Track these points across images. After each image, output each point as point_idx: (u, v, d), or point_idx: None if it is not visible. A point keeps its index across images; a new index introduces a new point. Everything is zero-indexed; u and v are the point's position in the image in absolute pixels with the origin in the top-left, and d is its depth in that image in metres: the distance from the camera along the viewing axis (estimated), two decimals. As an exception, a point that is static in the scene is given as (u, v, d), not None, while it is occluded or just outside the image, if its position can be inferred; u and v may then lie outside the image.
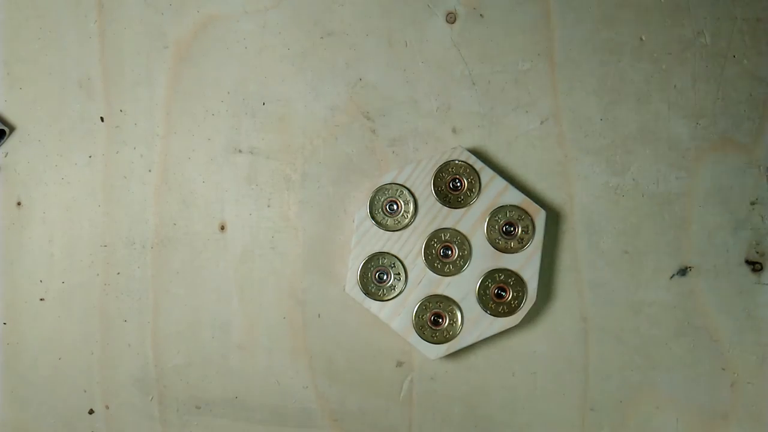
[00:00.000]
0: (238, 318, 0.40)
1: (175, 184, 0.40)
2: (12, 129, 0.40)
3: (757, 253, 0.39)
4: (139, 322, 0.40)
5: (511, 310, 0.37)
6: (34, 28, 0.40)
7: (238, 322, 0.40)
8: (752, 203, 0.39)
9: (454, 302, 0.37)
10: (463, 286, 0.37)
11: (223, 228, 0.40)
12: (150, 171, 0.40)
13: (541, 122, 0.39)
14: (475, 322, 0.37)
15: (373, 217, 0.38)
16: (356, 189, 0.39)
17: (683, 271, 0.39)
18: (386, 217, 0.38)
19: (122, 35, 0.40)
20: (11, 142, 0.40)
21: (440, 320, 0.37)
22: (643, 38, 0.39)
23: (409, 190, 0.38)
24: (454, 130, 0.39)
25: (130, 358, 0.40)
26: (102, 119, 0.40)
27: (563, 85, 0.39)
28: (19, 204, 0.40)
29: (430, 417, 0.39)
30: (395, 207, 0.38)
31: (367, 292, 0.38)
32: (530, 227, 0.37)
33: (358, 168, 0.39)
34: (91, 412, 0.40)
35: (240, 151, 0.40)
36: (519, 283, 0.37)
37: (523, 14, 0.39)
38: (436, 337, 0.37)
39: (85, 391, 0.40)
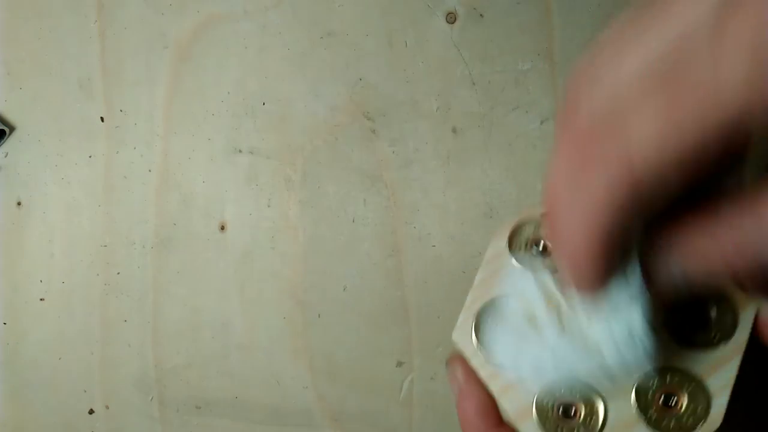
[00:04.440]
0: (238, 318, 0.40)
1: (175, 184, 0.40)
2: (12, 129, 0.40)
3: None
4: (139, 322, 0.40)
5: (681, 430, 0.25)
6: (34, 28, 0.40)
7: (238, 322, 0.40)
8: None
9: (596, 391, 0.25)
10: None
11: (223, 228, 0.40)
12: (150, 171, 0.40)
13: (541, 122, 0.39)
14: (624, 428, 0.25)
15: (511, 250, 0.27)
16: (356, 189, 0.39)
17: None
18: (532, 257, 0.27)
19: (122, 35, 0.40)
20: (11, 142, 0.40)
21: (571, 412, 0.25)
22: (643, 38, 0.39)
23: None
24: (454, 130, 0.39)
25: (130, 358, 0.40)
26: (102, 119, 0.40)
27: (563, 85, 0.39)
28: (19, 204, 0.40)
29: (430, 417, 0.39)
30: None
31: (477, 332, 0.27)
32: (729, 316, 0.26)
33: (358, 168, 0.39)
34: (91, 412, 0.40)
35: (240, 151, 0.40)
36: (698, 393, 0.25)
37: (523, 14, 0.39)
38: None
39: (85, 391, 0.40)
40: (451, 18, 0.39)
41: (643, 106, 0.17)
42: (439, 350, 0.39)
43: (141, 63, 0.40)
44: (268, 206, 0.40)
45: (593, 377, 0.23)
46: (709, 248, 0.19)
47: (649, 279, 0.21)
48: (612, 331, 0.22)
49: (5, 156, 0.40)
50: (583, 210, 0.18)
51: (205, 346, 0.40)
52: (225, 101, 0.40)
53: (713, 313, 0.26)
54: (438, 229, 0.39)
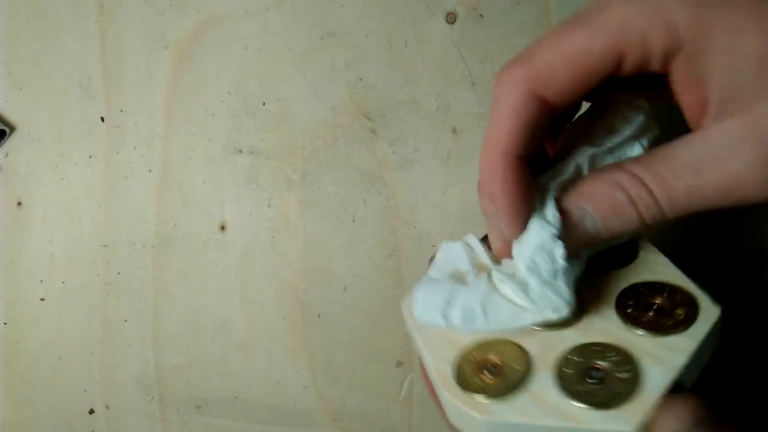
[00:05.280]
0: (238, 318, 0.40)
1: (176, 184, 0.40)
2: (12, 129, 0.40)
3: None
4: (140, 322, 0.40)
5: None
6: (34, 28, 0.40)
7: (238, 322, 0.40)
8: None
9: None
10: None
11: (223, 228, 0.40)
12: (150, 171, 0.40)
13: (541, 122, 0.39)
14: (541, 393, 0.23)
15: None
16: (356, 189, 0.39)
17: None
18: None
19: (123, 35, 0.40)
20: (12, 142, 0.40)
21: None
22: (643, 38, 0.39)
23: None
24: (454, 130, 0.39)
25: (130, 358, 0.40)
26: (102, 119, 0.40)
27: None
28: (19, 204, 0.40)
29: (430, 416, 0.39)
30: None
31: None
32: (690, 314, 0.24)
33: (358, 168, 0.39)
34: (91, 411, 0.40)
35: (240, 151, 0.40)
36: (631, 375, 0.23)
37: (523, 14, 0.39)
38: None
39: (85, 391, 0.40)
40: (451, 18, 0.39)
41: (545, 44, 0.23)
42: (439, 350, 0.39)
43: (141, 63, 0.40)
44: (268, 206, 0.40)
45: (518, 323, 0.24)
46: (616, 195, 0.23)
47: (566, 224, 0.24)
48: (534, 276, 0.24)
49: (6, 156, 0.40)
50: (495, 124, 0.23)
51: (206, 346, 0.40)
52: (225, 101, 0.40)
53: (669, 303, 0.24)
54: (438, 229, 0.39)
